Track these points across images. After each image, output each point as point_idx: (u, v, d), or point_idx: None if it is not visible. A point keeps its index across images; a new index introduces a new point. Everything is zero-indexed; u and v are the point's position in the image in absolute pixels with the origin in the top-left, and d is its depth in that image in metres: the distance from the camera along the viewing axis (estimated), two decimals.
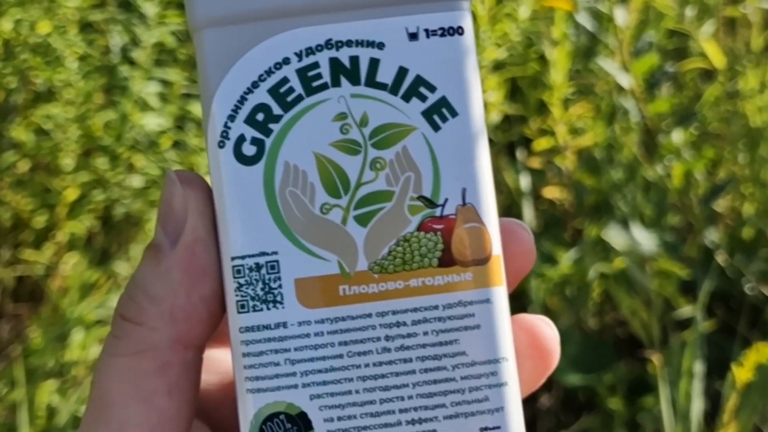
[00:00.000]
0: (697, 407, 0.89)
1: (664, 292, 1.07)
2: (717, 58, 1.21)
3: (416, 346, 0.32)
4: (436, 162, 0.33)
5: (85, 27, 1.17)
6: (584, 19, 1.19)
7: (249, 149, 0.33)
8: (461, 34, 0.33)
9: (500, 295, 0.33)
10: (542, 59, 1.24)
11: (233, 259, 0.33)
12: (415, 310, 0.32)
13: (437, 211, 0.33)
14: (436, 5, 0.33)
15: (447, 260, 0.33)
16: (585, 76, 1.26)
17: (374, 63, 0.33)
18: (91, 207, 1.13)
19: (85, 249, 1.15)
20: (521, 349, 0.35)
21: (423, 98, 0.33)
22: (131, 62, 1.15)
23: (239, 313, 0.33)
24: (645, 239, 1.08)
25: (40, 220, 1.14)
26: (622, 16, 1.12)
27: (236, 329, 0.33)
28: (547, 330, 0.36)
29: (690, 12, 1.20)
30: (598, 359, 1.08)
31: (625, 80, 1.12)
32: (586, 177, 1.18)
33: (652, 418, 0.99)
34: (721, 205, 1.19)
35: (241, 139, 0.33)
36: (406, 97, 0.33)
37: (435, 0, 0.33)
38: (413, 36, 0.33)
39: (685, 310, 1.08)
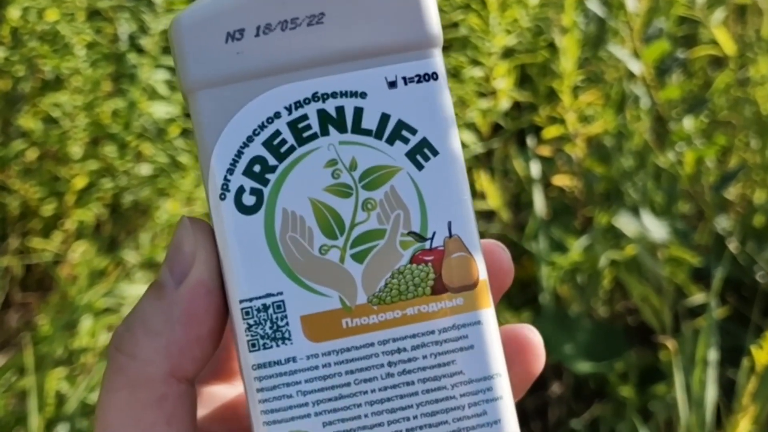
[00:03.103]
0: (712, 394, 0.88)
1: (676, 280, 1.07)
2: (728, 45, 1.20)
3: (417, 370, 0.35)
4: (422, 199, 0.35)
5: (93, 14, 1.17)
6: (594, 6, 1.19)
7: (249, 199, 0.35)
8: (435, 79, 0.36)
9: (489, 316, 0.35)
10: (552, 47, 1.23)
11: (241, 302, 0.35)
12: (414, 336, 0.35)
13: (427, 244, 0.35)
14: (411, 55, 0.36)
15: (439, 288, 0.35)
16: (594, 64, 1.26)
17: (358, 111, 0.35)
18: (100, 195, 1.13)
19: (94, 237, 1.14)
20: (510, 356, 0.37)
21: (405, 140, 0.35)
22: (139, 50, 1.15)
23: (251, 351, 0.35)
24: (656, 227, 1.07)
25: (48, 209, 1.14)
26: (632, 3, 1.12)
27: (248, 367, 0.35)
28: (531, 336, 0.39)
29: None
30: (608, 347, 1.08)
31: (636, 67, 1.12)
32: (596, 165, 1.17)
33: (664, 405, 0.99)
34: (731, 192, 1.18)
35: (241, 190, 0.35)
36: (390, 141, 0.35)
37: (410, 50, 0.36)
38: (392, 84, 0.36)
39: (697, 297, 1.07)
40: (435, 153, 0.35)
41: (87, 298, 1.02)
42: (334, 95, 0.35)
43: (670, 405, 0.97)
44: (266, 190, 0.35)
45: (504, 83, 1.17)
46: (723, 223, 1.14)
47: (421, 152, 0.35)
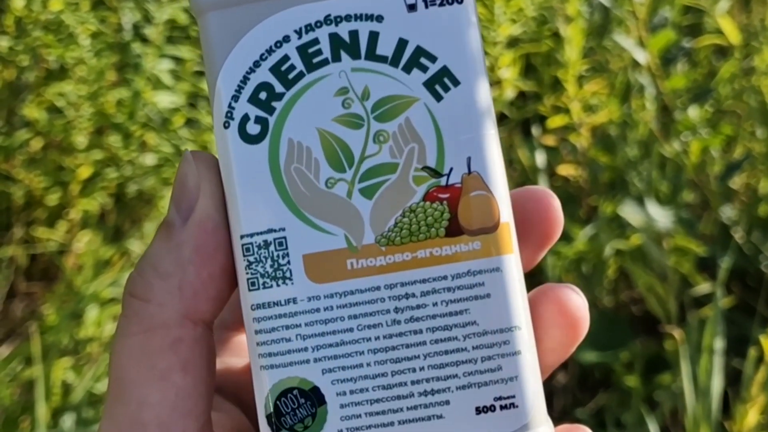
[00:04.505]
0: (718, 383, 0.88)
1: (681, 269, 1.07)
2: (733, 35, 1.20)
3: (426, 317, 0.32)
4: (440, 132, 0.33)
5: (97, 4, 1.17)
6: None
7: (253, 128, 0.33)
8: (460, 2, 0.33)
9: (510, 263, 0.33)
10: (556, 36, 1.23)
11: (242, 237, 0.33)
12: (424, 281, 0.32)
13: (442, 181, 0.33)
14: None
15: (454, 230, 0.33)
16: (599, 53, 1.26)
17: (374, 36, 0.33)
18: (104, 185, 1.13)
19: (98, 227, 1.14)
20: (549, 318, 0.35)
21: (424, 69, 0.33)
22: (143, 39, 1.15)
23: (250, 290, 0.33)
24: (661, 216, 1.07)
25: (53, 198, 1.14)
26: None
27: (248, 307, 0.33)
28: (574, 297, 0.36)
29: None
30: (614, 337, 1.08)
31: (642, 56, 1.12)
32: (600, 154, 1.17)
33: (669, 395, 0.99)
34: (736, 182, 1.18)
35: (245, 118, 0.33)
36: (407, 69, 0.33)
37: None
38: (412, 7, 0.33)
39: (703, 287, 1.07)
40: (456, 83, 0.33)
41: (92, 288, 1.02)
42: (347, 18, 0.33)
43: (675, 394, 0.97)
44: (272, 119, 0.33)
45: (509, 73, 1.16)
46: (728, 212, 1.14)
47: (441, 82, 0.33)
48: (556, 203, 0.36)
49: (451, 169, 0.33)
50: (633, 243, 1.09)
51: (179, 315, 0.33)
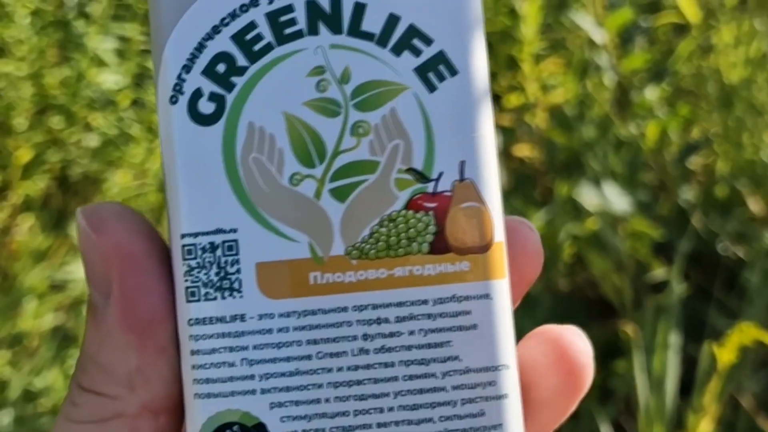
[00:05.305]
0: (673, 378, 0.87)
1: (637, 255, 1.05)
2: (691, 12, 1.18)
3: (400, 348, 0.28)
4: (430, 128, 0.28)
5: None
6: None
7: (206, 106, 0.28)
8: None
9: (502, 290, 0.28)
10: (512, 13, 1.21)
11: (183, 236, 0.28)
12: (400, 304, 0.28)
13: (429, 187, 0.28)
14: None
15: (440, 246, 0.28)
16: (556, 31, 1.24)
17: (359, 8, 0.28)
18: (47, 168, 1.10)
19: (41, 210, 1.11)
20: (545, 365, 0.30)
21: (417, 52, 0.28)
22: (87, 17, 1.11)
23: (188, 301, 0.28)
24: (617, 198, 1.05)
25: None
26: None
27: (184, 321, 0.28)
28: (576, 341, 0.31)
29: None
30: (568, 321, 1.06)
31: (599, 35, 1.10)
32: (557, 134, 1.15)
33: (624, 383, 0.97)
34: (694, 163, 1.17)
35: (198, 94, 0.28)
36: (397, 51, 0.28)
37: None
38: None
39: (659, 272, 1.06)
40: (453, 72, 0.28)
41: (31, 279, 0.99)
42: None
43: (630, 383, 0.96)
44: (230, 97, 0.28)
45: None
46: (686, 194, 1.13)
47: (436, 69, 0.28)
48: (536, 236, 0.31)
49: (440, 174, 0.28)
50: (589, 227, 1.07)
51: (136, 406, 0.28)
